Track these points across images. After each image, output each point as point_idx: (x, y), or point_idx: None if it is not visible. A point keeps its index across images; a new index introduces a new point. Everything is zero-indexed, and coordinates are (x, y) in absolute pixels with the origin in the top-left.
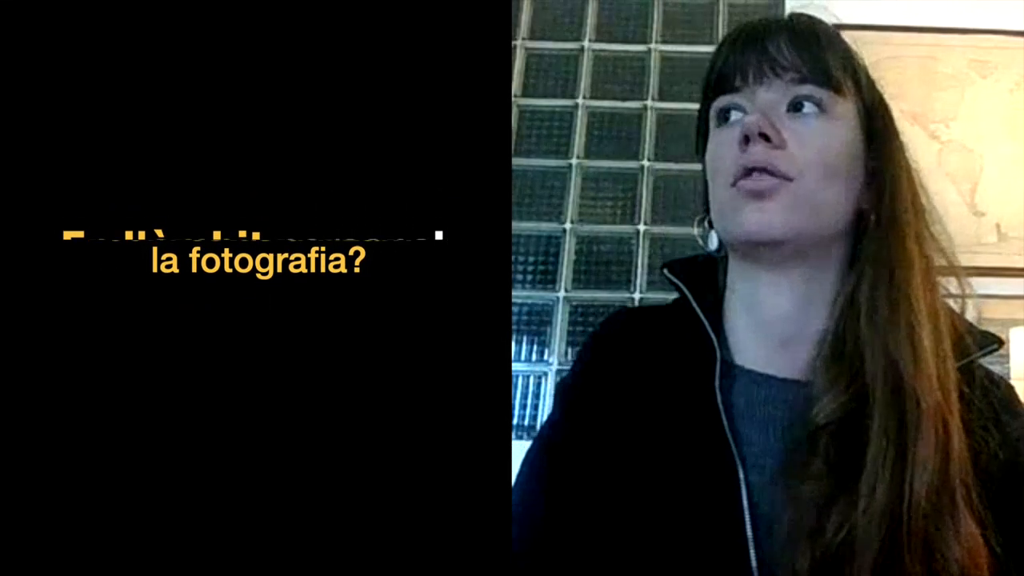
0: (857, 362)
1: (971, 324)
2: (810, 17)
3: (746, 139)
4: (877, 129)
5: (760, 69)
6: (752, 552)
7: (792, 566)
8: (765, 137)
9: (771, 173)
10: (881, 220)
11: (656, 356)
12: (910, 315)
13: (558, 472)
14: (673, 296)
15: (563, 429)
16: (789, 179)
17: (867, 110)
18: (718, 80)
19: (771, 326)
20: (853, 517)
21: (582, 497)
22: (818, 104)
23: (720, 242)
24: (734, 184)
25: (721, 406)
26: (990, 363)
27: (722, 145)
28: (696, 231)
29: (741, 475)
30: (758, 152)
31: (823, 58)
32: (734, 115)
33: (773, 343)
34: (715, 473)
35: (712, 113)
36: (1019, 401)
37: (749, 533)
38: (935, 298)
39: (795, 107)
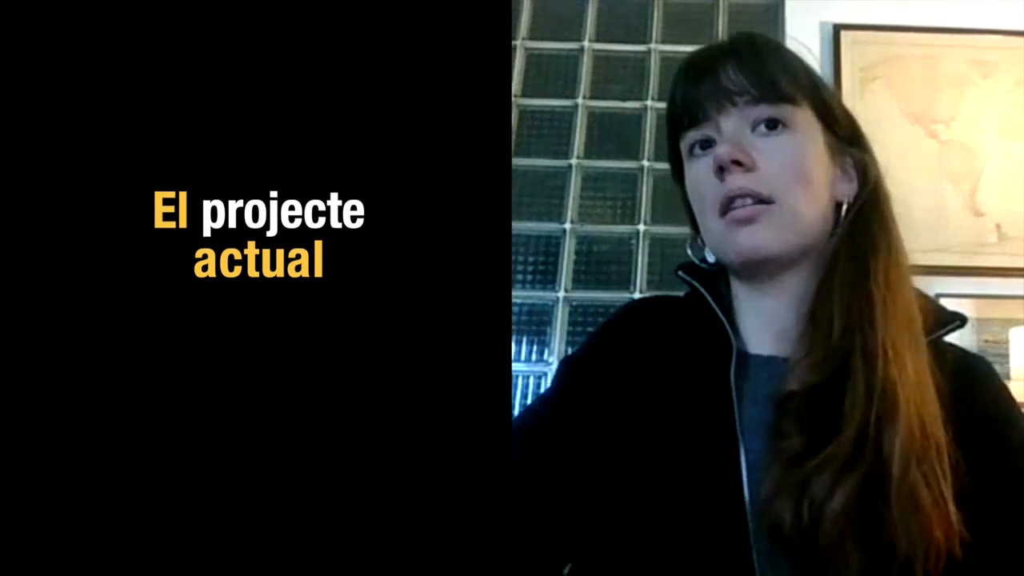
0: (828, 334)
1: (938, 305)
2: (750, 36)
3: (720, 169)
4: (838, 124)
5: (717, 100)
6: (748, 510)
7: (775, 517)
8: (738, 163)
9: (751, 197)
10: (852, 207)
11: (673, 341)
12: (870, 291)
13: (564, 433)
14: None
15: (570, 396)
16: (769, 200)
17: (823, 109)
18: (681, 115)
19: (775, 322)
20: (828, 472)
21: (587, 459)
22: (777, 120)
23: (715, 257)
24: (722, 215)
25: (733, 388)
26: (989, 362)
27: (700, 175)
28: (689, 250)
29: (741, 444)
30: (735, 180)
31: (770, 76)
32: (704, 141)
33: (777, 333)
34: (719, 445)
35: (683, 146)
36: (992, 375)
37: (746, 494)
38: (899, 274)
39: (757, 127)
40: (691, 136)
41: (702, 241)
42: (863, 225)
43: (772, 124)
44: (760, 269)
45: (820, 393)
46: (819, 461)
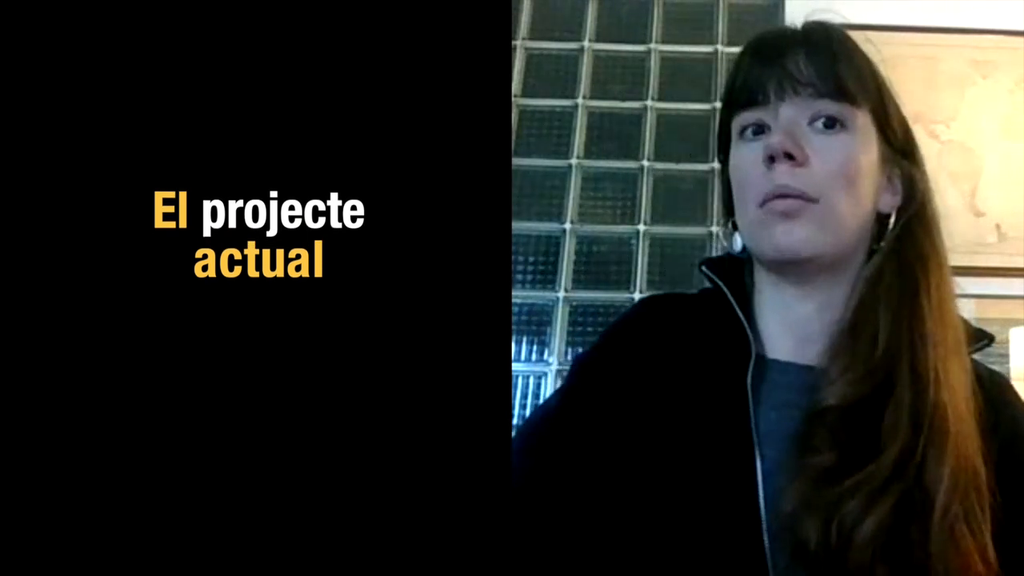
0: (871, 349)
1: (966, 321)
2: (825, 27)
3: (771, 159)
4: (894, 133)
5: (780, 86)
6: (764, 520)
7: (800, 535)
8: (789, 156)
9: (796, 194)
10: (900, 220)
11: (689, 342)
12: (920, 307)
13: (574, 435)
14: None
15: (581, 398)
16: (814, 200)
17: (883, 116)
18: (740, 94)
19: (797, 325)
20: (862, 494)
21: (597, 465)
22: (836, 119)
23: (744, 245)
24: (762, 205)
25: (750, 394)
26: (989, 362)
27: (747, 160)
28: (720, 232)
29: (757, 451)
30: (783, 173)
31: (838, 72)
32: (757, 126)
33: (798, 337)
34: (734, 451)
35: (735, 126)
36: (1012, 390)
37: (762, 506)
38: (947, 292)
39: (815, 122)
40: (745, 117)
41: (733, 225)
42: (911, 239)
43: (830, 122)
44: (791, 268)
45: (857, 410)
46: (854, 482)
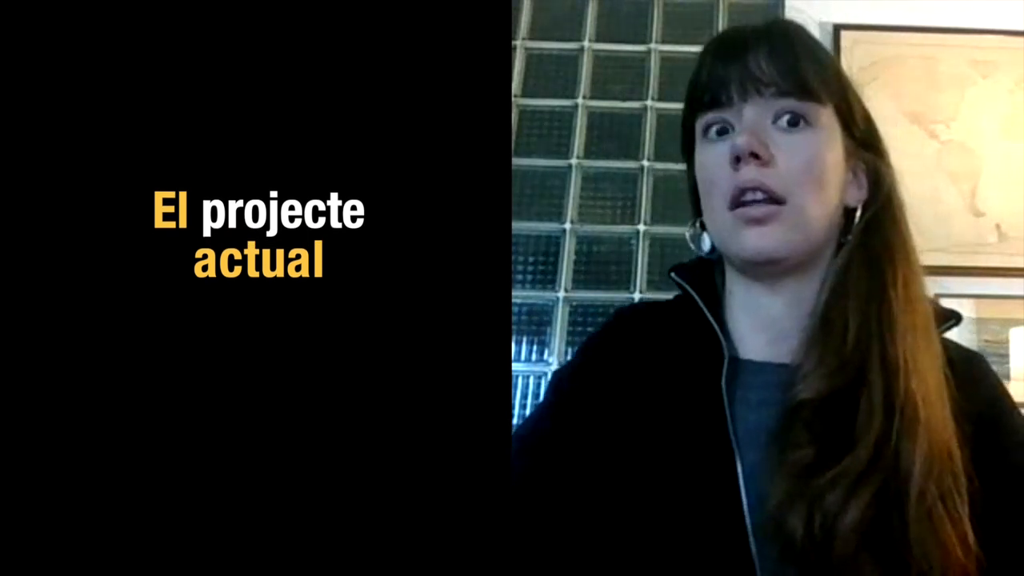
0: (842, 342)
1: (934, 301)
2: (786, 25)
3: (737, 159)
4: (857, 127)
5: (743, 86)
6: (748, 520)
7: (786, 531)
8: (755, 156)
9: (764, 192)
10: (866, 213)
11: (663, 348)
12: (888, 298)
13: (558, 446)
14: (673, 294)
15: (561, 411)
16: (782, 202)
17: (845, 111)
18: (703, 94)
19: (768, 323)
20: (842, 485)
21: (582, 471)
22: (800, 117)
23: (713, 245)
24: (732, 208)
25: (725, 396)
26: (990, 363)
27: (713, 162)
28: (688, 233)
29: (737, 453)
30: (750, 172)
31: (800, 70)
32: (720, 126)
33: (770, 336)
34: (714, 453)
35: (699, 127)
36: (987, 368)
37: (745, 503)
38: (916, 281)
39: (779, 121)
40: (709, 118)
41: (702, 225)
42: (878, 231)
43: (795, 120)
44: (763, 269)
45: (832, 403)
46: (834, 474)
